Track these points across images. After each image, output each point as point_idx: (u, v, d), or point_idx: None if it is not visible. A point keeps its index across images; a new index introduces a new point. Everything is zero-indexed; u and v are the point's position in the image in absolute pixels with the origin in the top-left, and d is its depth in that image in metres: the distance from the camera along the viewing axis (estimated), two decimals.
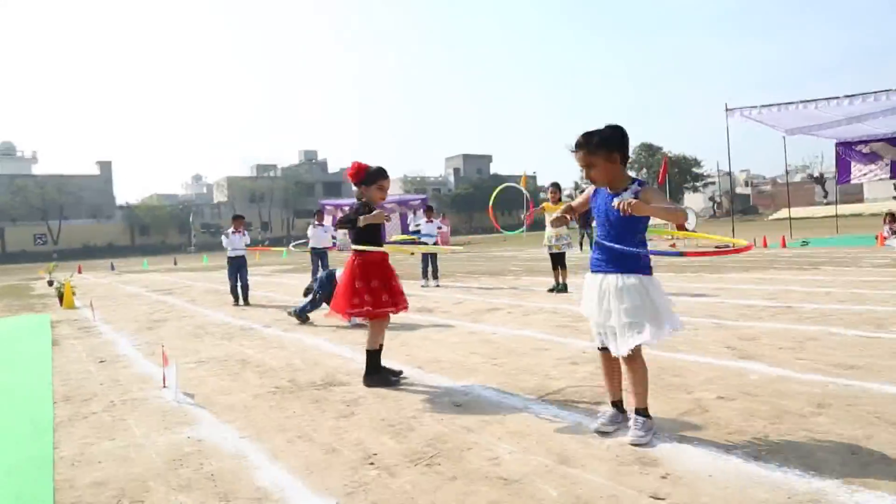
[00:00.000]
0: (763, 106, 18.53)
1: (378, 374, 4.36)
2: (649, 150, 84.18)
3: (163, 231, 72.59)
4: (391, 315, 4.52)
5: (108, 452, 3.15)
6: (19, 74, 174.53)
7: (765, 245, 18.75)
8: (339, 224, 4.67)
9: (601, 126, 3.09)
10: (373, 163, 4.58)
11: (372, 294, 4.30)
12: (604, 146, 3.02)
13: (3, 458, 3.22)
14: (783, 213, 69.19)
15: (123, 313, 9.90)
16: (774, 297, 7.77)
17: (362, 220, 4.39)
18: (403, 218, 34.37)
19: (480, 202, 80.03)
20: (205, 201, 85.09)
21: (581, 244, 21.68)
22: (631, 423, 3.08)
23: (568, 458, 2.77)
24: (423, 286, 11.72)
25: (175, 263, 32.73)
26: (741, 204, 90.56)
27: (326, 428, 3.39)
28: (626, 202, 2.82)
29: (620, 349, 3.01)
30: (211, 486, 2.65)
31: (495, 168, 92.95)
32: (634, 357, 3.06)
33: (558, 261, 9.58)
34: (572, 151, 3.18)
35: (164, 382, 4.50)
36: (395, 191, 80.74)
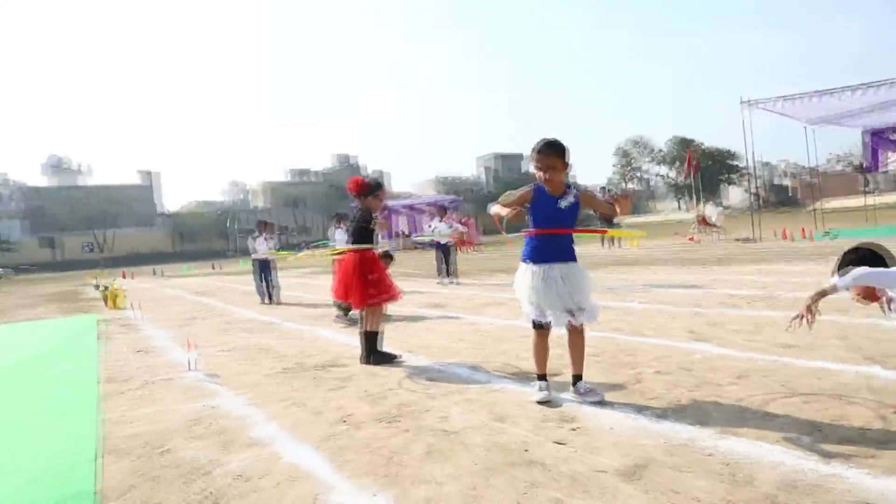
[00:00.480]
0: (780, 98, 18.61)
1: (381, 353, 5.08)
2: (683, 143, 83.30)
3: (205, 237, 74.98)
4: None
5: (141, 416, 3.90)
6: (67, 91, 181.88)
7: (784, 237, 18.85)
8: (356, 232, 5.39)
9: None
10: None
11: (380, 284, 5.13)
12: (564, 155, 3.66)
13: (59, 422, 4.00)
14: (823, 203, 67.68)
15: (163, 313, 10.82)
16: (764, 287, 8.16)
17: (377, 225, 5.30)
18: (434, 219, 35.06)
19: None
20: (244, 207, 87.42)
21: (603, 240, 22.04)
22: (582, 388, 3.64)
23: (503, 417, 3.39)
24: (438, 283, 12.36)
25: (213, 268, 34.10)
26: (781, 195, 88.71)
27: (318, 398, 4.07)
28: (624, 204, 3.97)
29: (578, 321, 3.60)
30: (217, 437, 3.36)
31: (528, 166, 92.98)
32: (582, 329, 3.66)
33: None
34: (539, 151, 3.63)
35: (189, 366, 5.25)
36: (429, 192, 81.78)
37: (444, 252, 12.76)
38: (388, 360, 5.05)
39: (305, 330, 7.36)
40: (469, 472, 2.66)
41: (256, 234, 11.30)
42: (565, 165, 3.66)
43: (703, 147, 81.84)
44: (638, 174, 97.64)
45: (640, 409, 3.39)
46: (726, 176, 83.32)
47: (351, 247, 5.12)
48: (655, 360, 4.49)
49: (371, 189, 5.35)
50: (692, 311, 6.54)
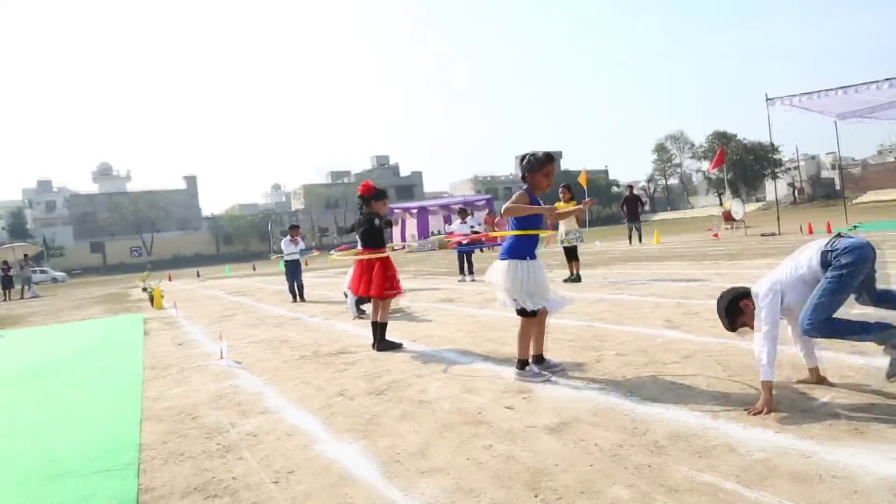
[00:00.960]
0: (803, 94, 18.63)
1: (387, 341, 5.79)
2: (723, 137, 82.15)
3: (245, 239, 77.23)
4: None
5: (176, 394, 4.68)
6: (113, 98, 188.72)
7: (810, 232, 18.91)
8: (365, 234, 6.13)
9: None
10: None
11: (393, 281, 5.89)
12: None
13: (110, 398, 4.80)
14: (868, 196, 65.86)
15: (201, 311, 11.75)
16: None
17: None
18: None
19: (550, 199, 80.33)
20: (283, 209, 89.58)
21: (630, 238, 22.33)
22: (546, 366, 4.28)
23: (472, 390, 4.04)
24: (459, 280, 13.01)
25: (254, 269, 35.40)
26: (827, 189, 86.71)
27: (324, 378, 4.78)
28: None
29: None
30: (236, 407, 4.10)
31: (565, 164, 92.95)
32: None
33: (571, 254, 10.66)
34: (552, 161, 4.28)
35: (220, 355, 6.03)
36: (465, 191, 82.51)
37: (466, 252, 13.37)
38: (393, 347, 5.75)
39: (324, 324, 8.12)
40: (428, 429, 3.32)
41: (289, 237, 12.15)
42: None
43: (744, 141, 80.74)
44: (679, 170, 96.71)
45: (588, 383, 4.00)
46: (769, 171, 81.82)
47: (373, 255, 5.86)
48: (620, 344, 5.07)
49: (375, 194, 6.09)
50: (676, 303, 7.05)
